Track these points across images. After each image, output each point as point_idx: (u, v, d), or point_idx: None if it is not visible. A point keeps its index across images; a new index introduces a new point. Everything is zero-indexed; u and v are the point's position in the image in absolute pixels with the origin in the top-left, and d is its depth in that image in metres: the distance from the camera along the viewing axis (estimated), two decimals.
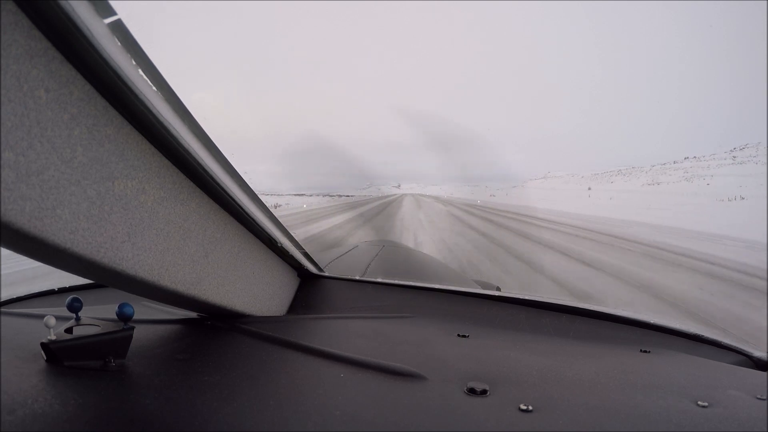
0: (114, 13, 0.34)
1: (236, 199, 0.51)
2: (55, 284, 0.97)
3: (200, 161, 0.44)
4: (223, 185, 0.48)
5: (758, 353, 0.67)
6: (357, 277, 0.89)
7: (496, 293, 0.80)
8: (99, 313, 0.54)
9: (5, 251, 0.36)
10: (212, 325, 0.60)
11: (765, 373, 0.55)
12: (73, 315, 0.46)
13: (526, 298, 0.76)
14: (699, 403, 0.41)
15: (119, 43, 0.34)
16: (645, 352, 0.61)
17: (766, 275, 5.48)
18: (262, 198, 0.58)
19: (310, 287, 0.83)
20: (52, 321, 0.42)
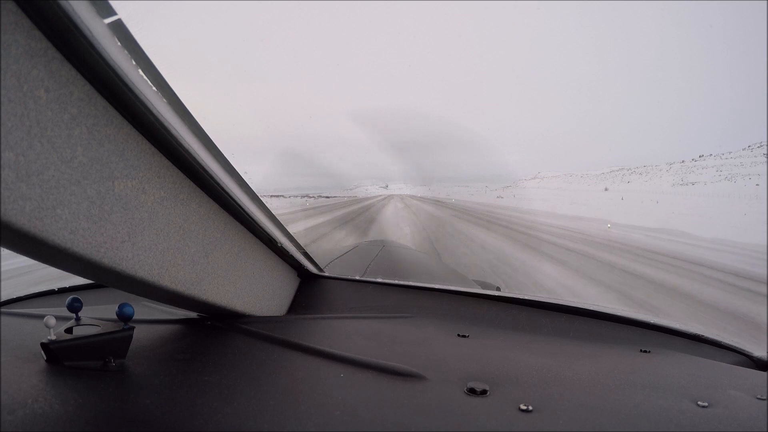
0: (114, 13, 0.34)
1: (236, 199, 0.51)
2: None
3: (200, 161, 0.44)
4: (223, 185, 0.48)
5: (758, 353, 0.67)
6: (357, 277, 0.89)
7: (496, 293, 0.80)
8: (99, 313, 0.54)
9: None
10: (212, 325, 0.60)
11: (765, 373, 0.55)
12: (73, 315, 0.46)
13: (526, 298, 0.76)
14: (699, 403, 0.41)
15: (119, 43, 0.34)
16: (645, 352, 0.61)
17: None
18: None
19: (310, 287, 0.83)
20: (52, 321, 0.42)
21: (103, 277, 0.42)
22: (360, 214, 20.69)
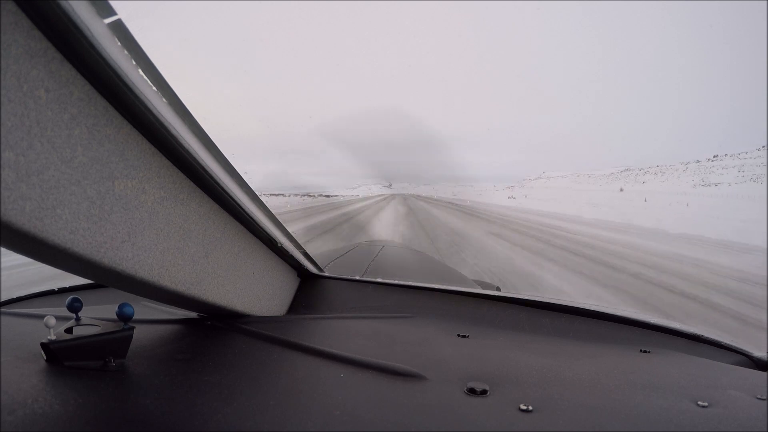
0: (114, 13, 0.34)
1: (236, 199, 0.51)
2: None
3: (200, 161, 0.44)
4: (223, 185, 0.48)
5: (758, 353, 0.67)
6: (357, 277, 0.89)
7: (496, 293, 0.80)
8: (99, 313, 0.54)
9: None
10: (212, 325, 0.60)
11: (765, 373, 0.55)
12: (73, 315, 0.46)
13: (526, 298, 0.76)
14: (699, 403, 0.41)
15: (119, 43, 0.34)
16: (645, 352, 0.61)
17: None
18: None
19: (310, 287, 0.83)
20: (52, 321, 0.42)
21: (103, 277, 0.42)
22: (339, 225, 13.78)
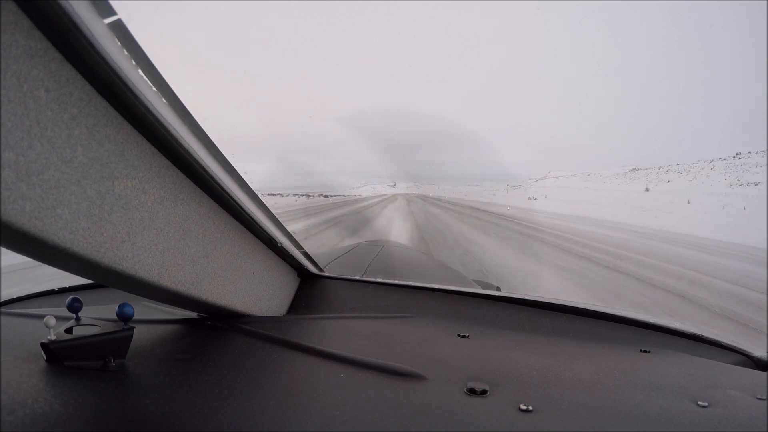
0: (114, 13, 0.34)
1: (236, 199, 0.51)
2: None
3: (200, 161, 0.44)
4: (223, 185, 0.48)
5: (758, 353, 0.67)
6: (357, 277, 0.89)
7: (496, 293, 0.80)
8: (99, 313, 0.54)
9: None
10: (212, 325, 0.60)
11: (765, 373, 0.55)
12: (73, 315, 0.46)
13: (526, 298, 0.76)
14: (699, 403, 0.41)
15: (119, 43, 0.34)
16: (645, 352, 0.61)
17: None
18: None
19: (310, 287, 0.83)
20: (52, 321, 0.42)
21: (103, 277, 0.42)
22: None
